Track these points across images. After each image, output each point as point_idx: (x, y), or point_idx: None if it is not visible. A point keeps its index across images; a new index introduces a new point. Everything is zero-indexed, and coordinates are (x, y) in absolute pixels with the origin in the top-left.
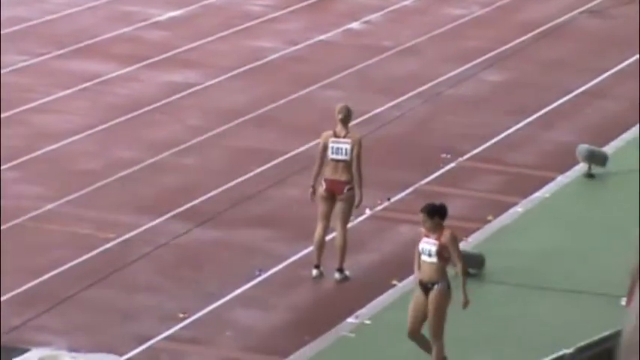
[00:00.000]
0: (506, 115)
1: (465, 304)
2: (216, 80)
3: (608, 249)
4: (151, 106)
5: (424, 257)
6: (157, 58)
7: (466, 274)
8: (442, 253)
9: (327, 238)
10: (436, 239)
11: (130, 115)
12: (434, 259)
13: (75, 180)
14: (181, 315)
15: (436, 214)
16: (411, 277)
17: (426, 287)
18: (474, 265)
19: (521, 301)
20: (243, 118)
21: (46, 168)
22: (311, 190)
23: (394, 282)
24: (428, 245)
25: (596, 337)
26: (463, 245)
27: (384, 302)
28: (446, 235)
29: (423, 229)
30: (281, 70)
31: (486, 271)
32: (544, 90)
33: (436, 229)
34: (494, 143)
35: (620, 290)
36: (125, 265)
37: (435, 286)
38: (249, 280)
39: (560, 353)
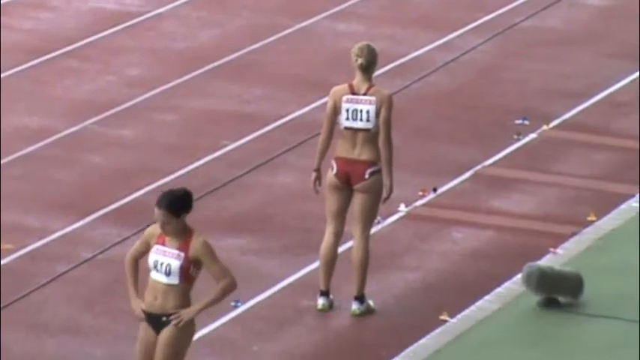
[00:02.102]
0: (614, 59)
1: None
2: (169, 7)
3: None
4: (68, 48)
5: (155, 275)
6: None
7: (226, 293)
8: (187, 272)
9: (340, 249)
10: (180, 249)
11: (35, 61)
12: (173, 280)
13: None
14: None
15: (182, 209)
16: (467, 311)
17: (156, 321)
18: (565, 289)
19: (637, 344)
20: (209, 66)
21: None
22: (314, 174)
23: (443, 317)
24: (163, 257)
25: None
26: (550, 258)
27: (427, 348)
28: (196, 244)
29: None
30: None
31: (586, 299)
32: None
33: (180, 233)
34: (597, 102)
35: None
36: (29, 292)
37: (171, 321)
38: (220, 315)
39: None
